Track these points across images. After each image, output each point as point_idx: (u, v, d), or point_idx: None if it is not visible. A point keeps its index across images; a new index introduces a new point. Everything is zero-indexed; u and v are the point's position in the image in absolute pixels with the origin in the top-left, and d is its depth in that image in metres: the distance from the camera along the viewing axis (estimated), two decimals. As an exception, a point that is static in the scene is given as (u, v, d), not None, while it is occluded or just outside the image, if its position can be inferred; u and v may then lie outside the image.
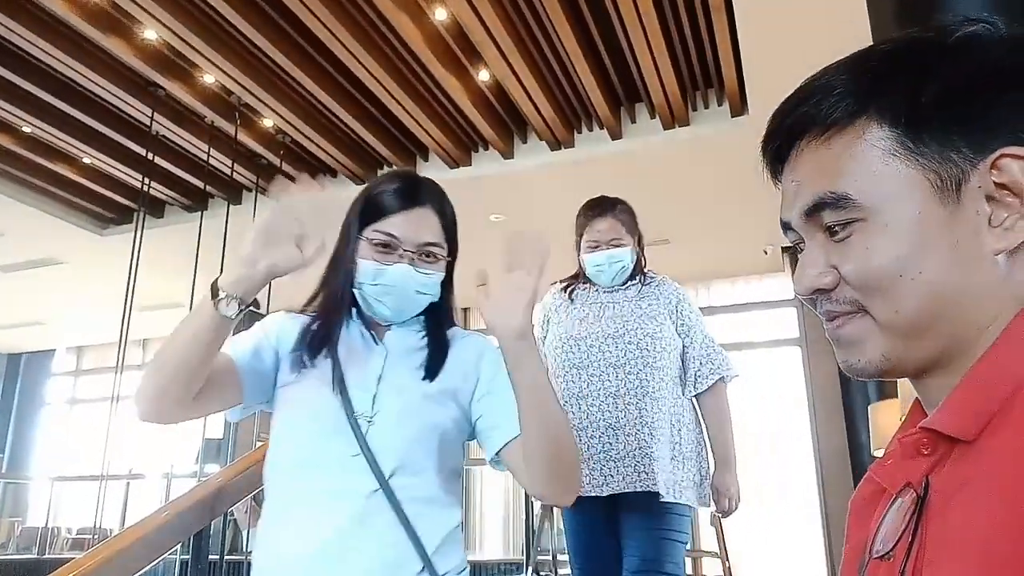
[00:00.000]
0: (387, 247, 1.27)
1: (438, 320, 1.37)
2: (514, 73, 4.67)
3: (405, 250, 1.27)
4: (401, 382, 1.28)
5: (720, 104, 5.21)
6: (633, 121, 5.41)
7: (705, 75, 5.03)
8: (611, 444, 2.13)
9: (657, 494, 2.09)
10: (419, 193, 1.33)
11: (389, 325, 1.34)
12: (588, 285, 2.34)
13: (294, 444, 1.24)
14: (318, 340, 1.28)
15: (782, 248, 6.89)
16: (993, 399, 0.52)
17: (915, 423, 0.61)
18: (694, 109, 5.28)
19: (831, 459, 6.77)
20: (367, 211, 1.31)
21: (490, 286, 1.14)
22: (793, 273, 0.67)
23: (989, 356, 0.55)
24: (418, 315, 1.34)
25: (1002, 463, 0.49)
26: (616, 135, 5.37)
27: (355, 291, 1.30)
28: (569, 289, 2.36)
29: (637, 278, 2.32)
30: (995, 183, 0.55)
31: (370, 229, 1.28)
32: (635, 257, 2.30)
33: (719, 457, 2.30)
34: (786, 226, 0.66)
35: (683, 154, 5.36)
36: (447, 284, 1.37)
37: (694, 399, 2.34)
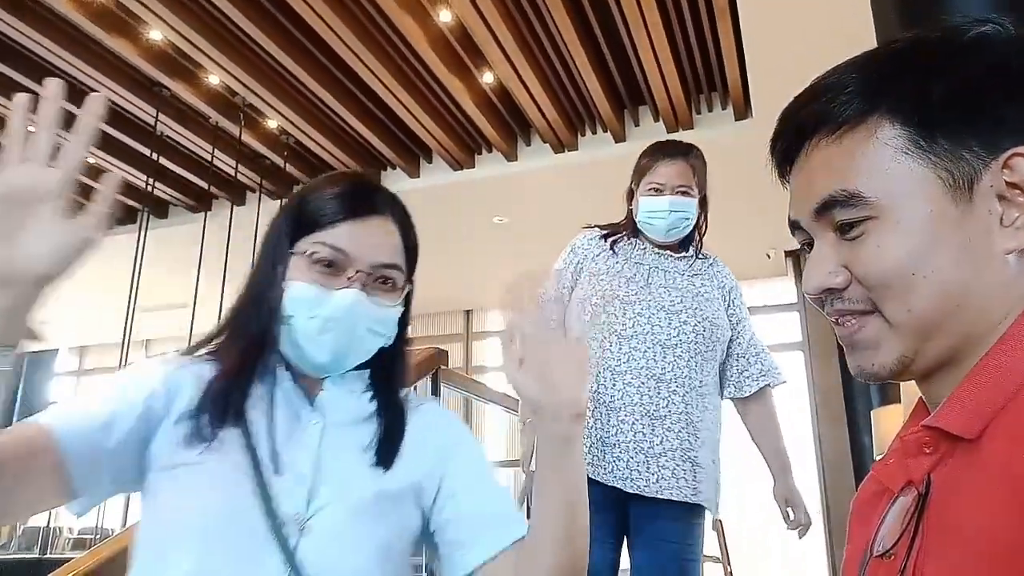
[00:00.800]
0: (332, 266, 0.94)
1: (389, 377, 1.02)
2: (518, 75, 4.67)
3: (357, 271, 0.94)
4: (345, 470, 0.92)
5: (724, 107, 5.21)
6: (637, 124, 5.41)
7: (709, 78, 5.03)
8: (646, 436, 1.82)
9: (695, 507, 1.83)
10: (376, 199, 1.02)
11: (322, 379, 0.98)
12: (634, 240, 2.02)
13: (183, 566, 0.82)
14: (223, 402, 0.89)
15: (785, 252, 6.88)
16: (995, 398, 0.52)
17: (917, 422, 0.61)
18: (698, 112, 5.28)
19: (834, 464, 6.75)
20: (304, 218, 0.98)
21: (521, 346, 0.83)
22: (797, 276, 0.66)
23: (993, 355, 0.55)
24: (360, 367, 0.99)
25: (1003, 462, 0.49)
26: (620, 138, 5.37)
27: (280, 327, 0.93)
28: (611, 239, 2.02)
29: (691, 249, 2.03)
30: (1007, 182, 0.56)
31: (308, 241, 0.95)
32: (698, 219, 2.01)
33: (780, 465, 2.03)
34: (795, 225, 0.65)
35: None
36: (403, 327, 1.03)
37: (734, 403, 2.06)
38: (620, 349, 1.88)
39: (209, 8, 4.30)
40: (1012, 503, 0.47)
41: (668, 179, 1.94)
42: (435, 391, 2.20)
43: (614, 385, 1.86)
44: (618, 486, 1.81)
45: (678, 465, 1.81)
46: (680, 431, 1.83)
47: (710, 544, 2.24)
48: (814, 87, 0.63)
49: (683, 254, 2.01)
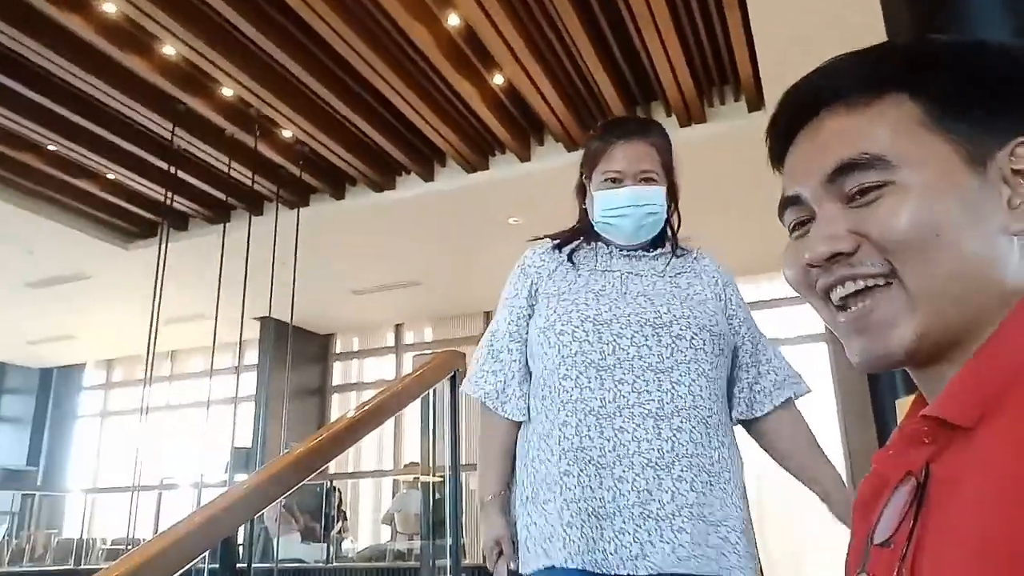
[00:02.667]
0: None
1: None
2: (528, 76, 4.68)
3: None
4: None
5: (736, 99, 5.19)
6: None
7: (720, 71, 5.01)
8: (653, 495, 1.38)
9: None
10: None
11: None
12: (595, 244, 1.60)
13: None
14: None
15: (804, 242, 6.82)
16: (991, 386, 0.52)
17: (916, 413, 0.61)
18: (710, 106, 5.26)
19: (860, 456, 6.69)
20: None
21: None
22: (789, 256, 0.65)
23: (991, 343, 0.55)
24: None
25: (1001, 451, 0.49)
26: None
27: None
28: (568, 249, 1.60)
29: (667, 244, 1.61)
30: (1012, 169, 0.57)
31: None
32: (669, 211, 1.59)
33: (832, 477, 1.62)
34: (791, 201, 0.64)
35: (701, 151, 5.33)
36: None
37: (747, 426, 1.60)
38: (602, 385, 1.43)
39: (220, 21, 4.35)
40: (1009, 493, 0.47)
41: (627, 164, 1.52)
42: (453, 393, 2.20)
43: (601, 434, 1.41)
44: (626, 572, 1.36)
45: (696, 526, 1.38)
46: (694, 479, 1.41)
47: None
48: (834, 61, 0.63)
49: (658, 251, 1.59)
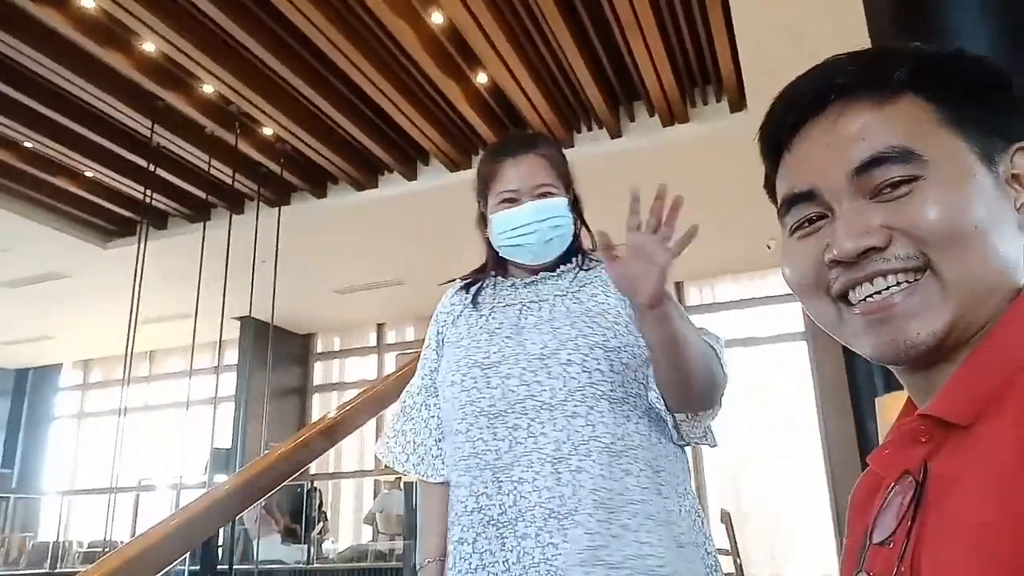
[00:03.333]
0: None
1: None
2: (511, 75, 4.67)
3: None
4: None
5: (719, 100, 5.21)
6: (632, 119, 5.41)
7: (703, 71, 5.03)
8: (557, 547, 1.23)
9: None
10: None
11: None
12: (500, 280, 1.49)
13: None
14: None
15: (785, 243, 6.87)
16: (988, 384, 0.53)
17: (910, 413, 0.62)
18: (693, 106, 5.28)
19: (840, 454, 6.75)
20: None
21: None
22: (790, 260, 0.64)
23: (988, 342, 0.55)
24: None
25: (999, 449, 0.49)
26: (615, 134, 5.37)
27: None
28: (474, 288, 1.51)
29: (574, 259, 1.48)
30: (1012, 174, 0.59)
31: None
32: (575, 223, 1.48)
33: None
34: (802, 197, 0.63)
35: (683, 151, 5.36)
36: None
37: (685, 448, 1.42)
38: (495, 435, 1.30)
39: (200, 18, 4.31)
40: (1007, 491, 0.47)
41: (521, 180, 1.43)
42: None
43: (499, 490, 1.28)
44: None
45: (608, 573, 1.20)
46: (598, 523, 1.23)
47: (719, 537, 2.13)
48: (835, 61, 0.63)
49: (566, 268, 1.47)
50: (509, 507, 1.27)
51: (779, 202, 0.66)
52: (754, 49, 4.18)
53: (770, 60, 4.05)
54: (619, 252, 1.14)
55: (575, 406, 1.29)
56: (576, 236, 1.49)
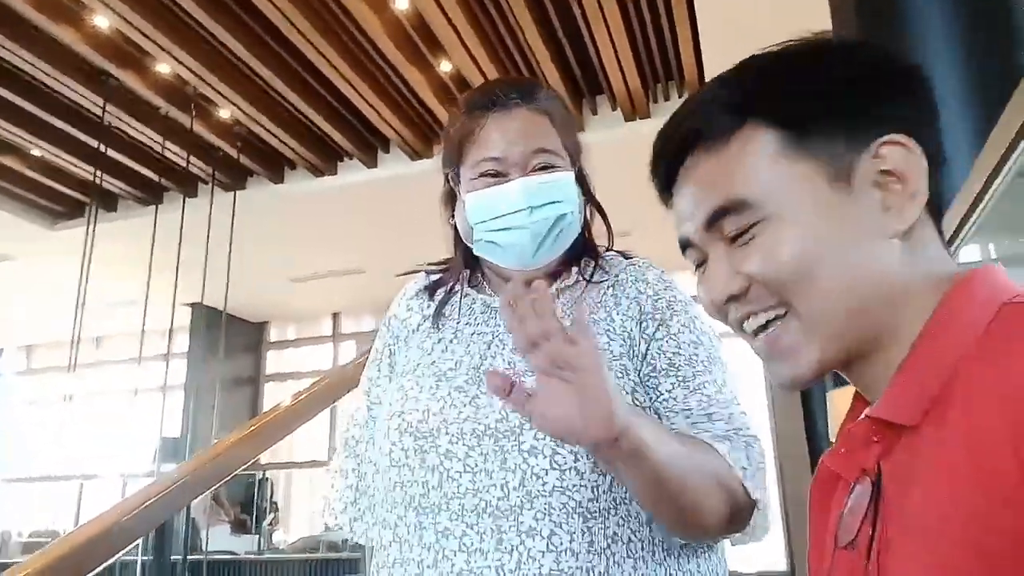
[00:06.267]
0: None
1: None
2: (476, 64, 4.65)
3: None
4: None
5: (680, 95, 5.25)
6: (595, 113, 5.43)
7: (666, 67, 5.07)
8: None
9: None
10: None
11: None
12: (471, 291, 1.08)
13: None
14: None
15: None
16: (932, 384, 0.53)
17: (859, 410, 0.63)
18: (655, 101, 5.32)
19: (789, 448, 6.88)
20: None
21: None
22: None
23: (924, 341, 0.56)
24: None
25: (948, 447, 0.50)
26: (577, 127, 5.38)
27: None
28: (439, 295, 1.10)
29: (578, 266, 1.06)
30: (880, 170, 0.58)
31: None
32: (582, 210, 1.06)
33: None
34: (686, 244, 0.65)
35: (644, 146, 5.37)
36: None
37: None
38: (421, 539, 0.92)
39: (157, -6, 4.19)
40: (959, 488, 0.48)
41: (510, 144, 0.99)
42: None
43: None
44: None
45: None
46: None
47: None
48: (686, 106, 0.65)
49: (565, 280, 1.04)
50: None
51: None
52: (717, 46, 4.21)
53: (733, 57, 4.06)
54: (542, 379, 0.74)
55: (534, 521, 0.87)
56: (584, 230, 1.07)
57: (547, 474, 0.89)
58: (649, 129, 5.33)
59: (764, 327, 0.60)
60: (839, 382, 4.71)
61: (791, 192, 0.58)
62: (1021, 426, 0.45)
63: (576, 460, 0.89)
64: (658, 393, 0.96)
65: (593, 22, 4.31)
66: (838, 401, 4.11)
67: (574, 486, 0.88)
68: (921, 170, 0.58)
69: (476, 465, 0.91)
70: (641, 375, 0.97)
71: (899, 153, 0.58)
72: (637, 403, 0.94)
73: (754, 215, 0.58)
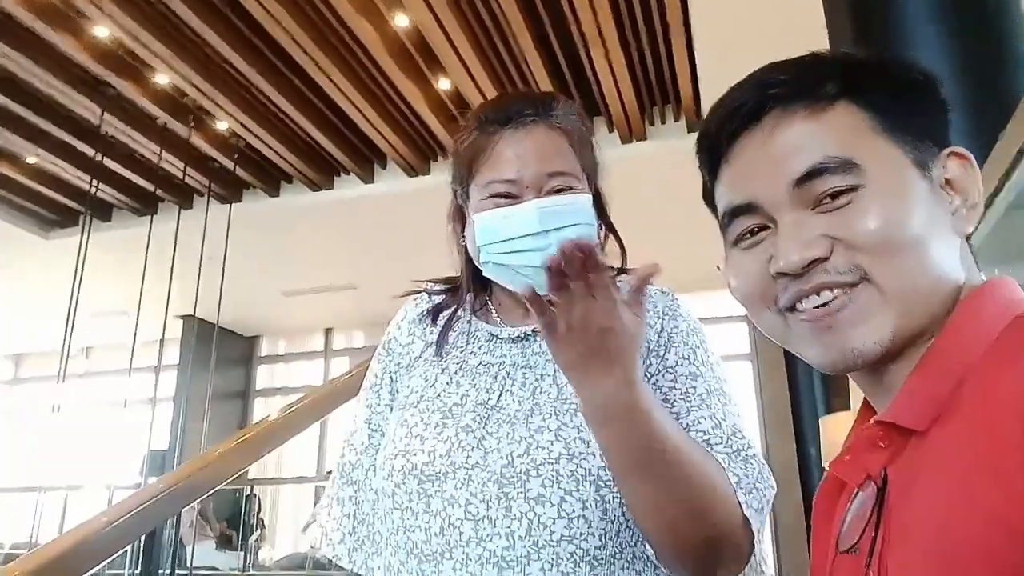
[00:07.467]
0: None
1: None
2: (474, 82, 4.67)
3: None
4: None
5: (676, 119, 5.29)
6: (591, 135, 5.44)
7: (662, 91, 5.10)
8: None
9: None
10: None
11: None
12: (475, 319, 1.04)
13: None
14: None
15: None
16: (941, 389, 0.53)
17: (866, 418, 0.63)
18: (651, 124, 5.35)
19: (781, 473, 6.86)
20: None
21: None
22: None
23: (936, 346, 0.56)
24: None
25: (953, 453, 0.50)
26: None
27: None
28: (442, 319, 1.06)
29: None
30: (945, 179, 0.60)
31: None
32: (599, 233, 1.03)
33: None
34: (743, 209, 0.62)
35: (640, 168, 5.42)
36: None
37: None
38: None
39: (158, 6, 4.20)
40: (962, 495, 0.47)
41: (524, 165, 0.95)
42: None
43: None
44: None
45: None
46: None
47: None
48: (769, 71, 0.63)
49: None
50: None
51: (720, 214, 0.66)
52: (713, 70, 4.25)
53: (729, 81, 4.09)
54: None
55: (540, 571, 0.84)
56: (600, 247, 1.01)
57: (554, 523, 0.85)
58: (647, 151, 5.37)
59: (825, 304, 0.58)
60: (830, 408, 4.71)
61: (888, 168, 0.58)
62: None
63: (584, 508, 0.85)
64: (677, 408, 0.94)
65: (592, 45, 4.34)
66: (830, 426, 4.11)
67: (582, 535, 0.85)
68: (978, 184, 0.61)
69: (478, 512, 0.87)
70: (654, 385, 0.95)
71: (961, 166, 0.61)
72: None
73: (854, 179, 0.58)
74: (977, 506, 0.46)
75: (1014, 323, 0.54)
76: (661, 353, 0.97)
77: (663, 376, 0.95)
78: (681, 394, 0.93)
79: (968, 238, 0.62)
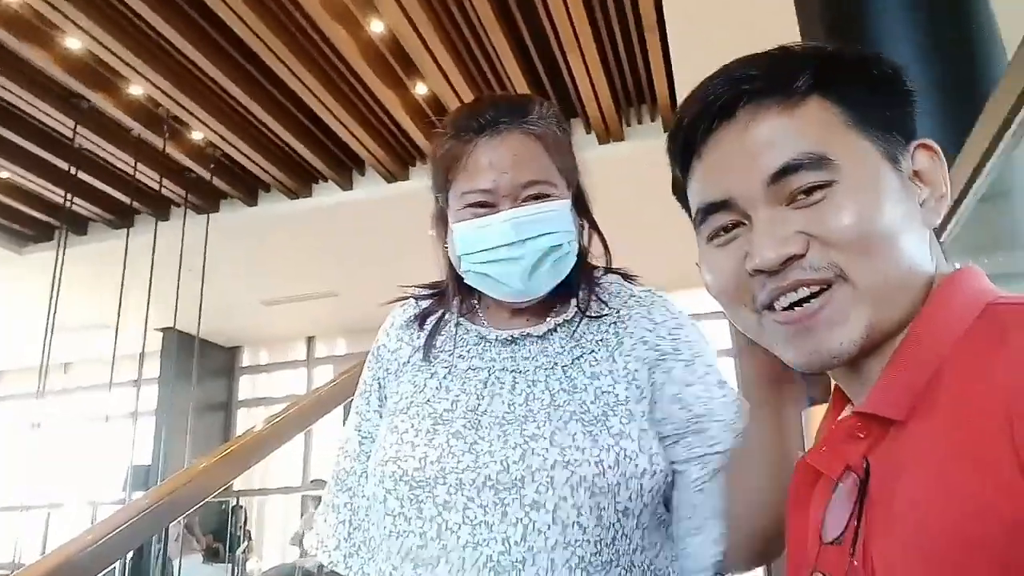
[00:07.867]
0: None
1: None
2: (451, 86, 4.67)
3: None
4: None
5: (653, 119, 5.32)
6: (568, 135, 5.46)
7: (639, 91, 5.13)
8: None
9: None
10: None
11: None
12: (463, 321, 1.03)
13: None
14: None
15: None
16: (918, 379, 0.54)
17: (838, 411, 0.64)
18: (628, 124, 5.38)
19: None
20: None
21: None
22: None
23: (912, 336, 0.57)
24: None
25: (932, 442, 0.50)
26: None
27: None
28: (429, 324, 1.05)
29: (577, 297, 1.01)
30: (913, 171, 0.61)
31: None
32: (580, 238, 1.02)
33: None
34: (718, 206, 0.62)
35: (617, 168, 5.44)
36: None
37: None
38: None
39: (130, 16, 4.16)
40: (942, 484, 0.48)
41: (500, 174, 0.94)
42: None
43: None
44: None
45: None
46: None
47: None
48: (741, 65, 0.63)
49: (560, 315, 1.00)
50: None
51: (693, 210, 0.66)
52: (689, 70, 4.27)
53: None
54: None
55: (536, 575, 0.85)
56: (581, 258, 1.02)
57: (549, 529, 0.85)
58: (624, 151, 5.39)
59: (801, 302, 0.58)
60: (812, 401, 4.76)
61: (863, 161, 0.59)
62: (1015, 414, 0.45)
63: (579, 515, 0.86)
64: (682, 434, 0.96)
65: (567, 47, 4.35)
66: (815, 419, 4.15)
67: (576, 541, 0.86)
68: (946, 176, 0.61)
69: (475, 517, 0.87)
70: (649, 411, 0.95)
71: (929, 158, 0.61)
72: (643, 447, 0.90)
73: (828, 174, 0.58)
74: (953, 497, 0.47)
75: (986, 312, 0.54)
76: (667, 368, 1.00)
77: (668, 404, 1.00)
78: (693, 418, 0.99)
79: (937, 229, 0.63)
